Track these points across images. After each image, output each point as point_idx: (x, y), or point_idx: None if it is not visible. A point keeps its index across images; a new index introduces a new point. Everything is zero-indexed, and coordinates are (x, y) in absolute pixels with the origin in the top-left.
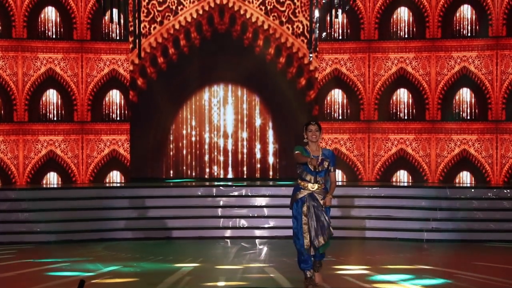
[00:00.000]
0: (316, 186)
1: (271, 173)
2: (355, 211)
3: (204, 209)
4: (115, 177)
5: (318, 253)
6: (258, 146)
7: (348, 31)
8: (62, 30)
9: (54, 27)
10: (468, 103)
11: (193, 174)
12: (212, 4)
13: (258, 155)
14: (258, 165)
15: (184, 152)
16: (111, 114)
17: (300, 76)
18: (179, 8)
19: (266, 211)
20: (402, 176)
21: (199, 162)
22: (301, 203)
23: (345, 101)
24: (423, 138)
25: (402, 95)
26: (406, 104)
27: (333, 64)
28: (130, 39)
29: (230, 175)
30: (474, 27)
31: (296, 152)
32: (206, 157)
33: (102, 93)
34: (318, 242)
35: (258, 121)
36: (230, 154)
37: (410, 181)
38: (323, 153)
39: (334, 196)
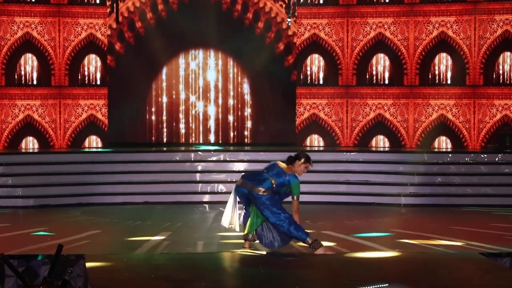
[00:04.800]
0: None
1: (248, 138)
2: (333, 176)
3: (182, 174)
4: (93, 142)
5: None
6: (235, 111)
7: None
8: None
9: None
10: (446, 68)
11: (171, 139)
12: None
13: (236, 120)
14: (235, 131)
15: (163, 117)
16: (89, 78)
17: (279, 41)
18: None
19: None
20: (380, 141)
21: (177, 127)
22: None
23: (323, 66)
24: (401, 103)
25: (381, 60)
26: (384, 69)
27: (312, 29)
28: (108, 3)
29: (207, 140)
30: None
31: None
32: (184, 122)
33: (79, 58)
34: None
35: (236, 86)
36: (207, 119)
37: (388, 146)
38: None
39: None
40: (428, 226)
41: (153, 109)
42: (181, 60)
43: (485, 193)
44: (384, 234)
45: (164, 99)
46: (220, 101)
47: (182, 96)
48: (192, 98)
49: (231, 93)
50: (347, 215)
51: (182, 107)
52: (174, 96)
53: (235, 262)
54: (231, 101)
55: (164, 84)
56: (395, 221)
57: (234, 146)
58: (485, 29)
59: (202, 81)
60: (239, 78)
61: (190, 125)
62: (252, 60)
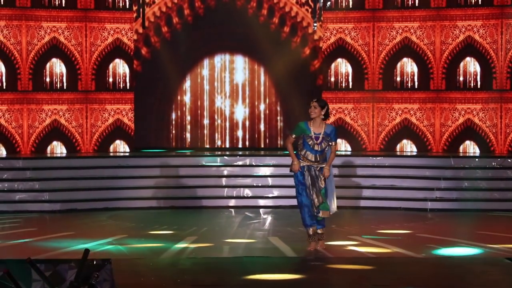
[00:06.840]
0: (316, 163)
1: (275, 142)
2: (359, 181)
3: (208, 178)
4: (119, 146)
5: (318, 220)
6: (262, 116)
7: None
8: None
9: None
10: (473, 72)
11: (197, 143)
12: None
13: (262, 125)
14: (262, 135)
15: (188, 121)
16: (115, 83)
17: (305, 46)
18: None
19: (270, 181)
20: (406, 146)
21: (203, 132)
22: (300, 173)
23: (349, 70)
24: (427, 107)
25: (407, 64)
26: (410, 73)
27: (338, 34)
28: (134, 8)
29: (233, 145)
30: None
31: (288, 141)
32: (210, 127)
33: (106, 63)
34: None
35: (262, 91)
36: (234, 123)
37: (414, 150)
38: (325, 131)
39: (335, 165)
40: (455, 231)
41: (179, 114)
42: (207, 65)
43: None
44: (410, 237)
45: (191, 104)
46: (244, 106)
47: (209, 100)
48: (218, 103)
49: (257, 98)
50: (373, 220)
51: (208, 112)
52: (201, 101)
53: (261, 267)
54: (256, 106)
55: (190, 88)
56: (421, 225)
57: (260, 151)
58: None
59: (228, 85)
60: (265, 83)
61: (216, 130)
62: (278, 64)
